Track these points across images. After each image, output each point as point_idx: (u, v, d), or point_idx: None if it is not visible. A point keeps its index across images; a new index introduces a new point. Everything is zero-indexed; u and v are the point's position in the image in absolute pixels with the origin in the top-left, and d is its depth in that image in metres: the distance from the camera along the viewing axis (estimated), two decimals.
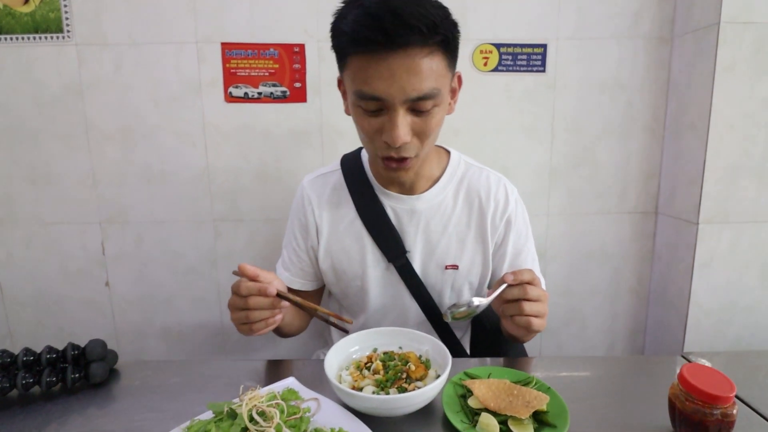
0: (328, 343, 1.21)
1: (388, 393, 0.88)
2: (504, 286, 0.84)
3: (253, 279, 0.83)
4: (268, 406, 0.77)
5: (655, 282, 1.89)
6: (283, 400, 0.88)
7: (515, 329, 0.87)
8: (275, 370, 0.99)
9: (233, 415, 0.76)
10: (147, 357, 1.98)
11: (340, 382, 0.85)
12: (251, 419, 0.74)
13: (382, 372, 0.93)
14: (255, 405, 0.76)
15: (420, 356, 1.00)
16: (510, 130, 1.72)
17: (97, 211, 1.74)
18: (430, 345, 0.93)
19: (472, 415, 0.87)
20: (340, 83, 0.95)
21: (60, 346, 0.92)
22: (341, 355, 0.92)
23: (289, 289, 1.09)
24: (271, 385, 0.95)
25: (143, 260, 1.89)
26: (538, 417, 0.84)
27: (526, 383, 0.96)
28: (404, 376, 0.91)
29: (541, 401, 0.85)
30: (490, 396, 0.88)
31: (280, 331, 1.12)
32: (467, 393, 0.93)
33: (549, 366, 1.02)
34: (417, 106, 0.82)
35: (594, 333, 2.06)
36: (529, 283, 0.84)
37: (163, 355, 1.98)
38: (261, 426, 0.73)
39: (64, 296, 1.81)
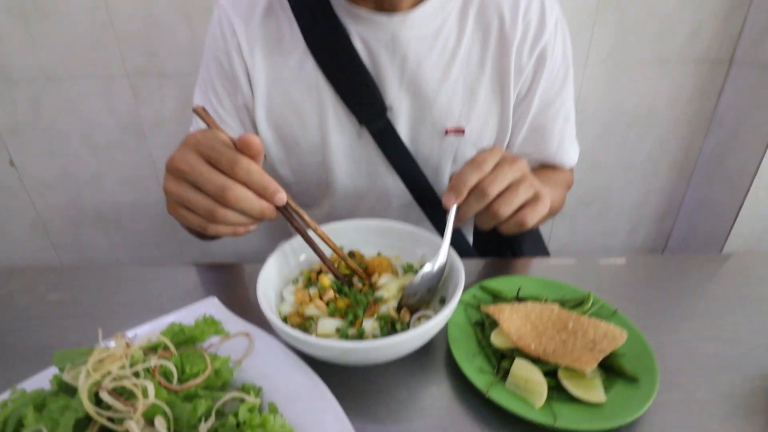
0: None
1: (359, 329, 0.54)
2: (453, 210, 0.58)
3: (251, 156, 0.50)
4: (143, 370, 0.42)
5: (706, 155, 1.51)
6: (189, 341, 0.54)
7: (510, 231, 0.61)
8: (215, 279, 0.78)
9: (71, 390, 0.40)
10: (87, 251, 1.67)
11: (282, 302, 0.61)
12: (99, 401, 0.38)
13: (337, 299, 0.59)
14: (108, 374, 0.40)
15: (411, 265, 0.66)
16: None
17: None
18: (428, 246, 0.65)
19: (497, 359, 0.54)
20: None
21: None
22: (288, 266, 0.65)
23: None
24: (177, 313, 0.60)
25: (48, 132, 1.45)
26: (606, 364, 0.51)
27: (577, 304, 0.61)
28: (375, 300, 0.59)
29: (615, 340, 0.51)
30: (528, 332, 0.54)
31: (213, 237, 0.82)
32: (488, 321, 0.59)
33: (589, 271, 0.77)
34: None
35: (616, 215, 1.75)
36: (488, 169, 0.57)
37: (104, 249, 1.66)
38: (117, 412, 0.38)
39: None
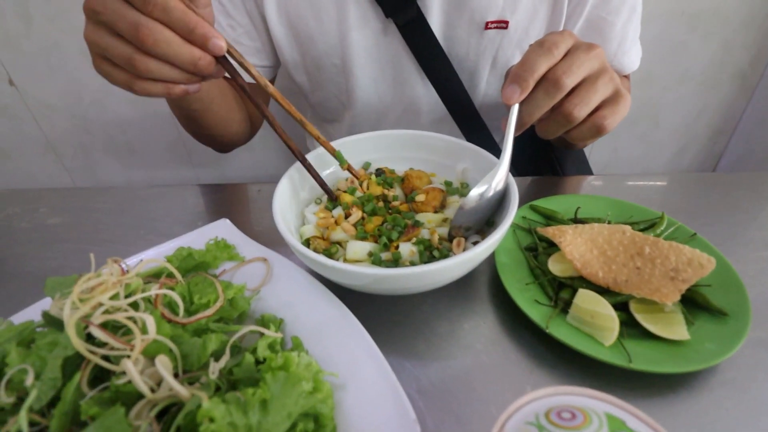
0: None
1: (394, 254, 0.46)
2: (515, 109, 0.46)
3: None
4: (143, 300, 0.36)
5: None
6: (199, 267, 0.47)
7: (582, 140, 0.51)
8: (229, 200, 0.71)
9: (61, 324, 0.34)
10: (101, 176, 1.61)
11: (304, 224, 0.53)
12: (91, 337, 0.32)
13: (365, 220, 0.51)
14: (100, 305, 0.33)
15: (450, 183, 0.57)
16: None
17: None
18: (470, 160, 0.56)
19: (555, 289, 0.46)
20: None
21: None
22: (310, 181, 0.56)
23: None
24: (186, 237, 0.53)
25: (43, 47, 1.33)
26: (689, 296, 0.43)
27: (648, 227, 0.52)
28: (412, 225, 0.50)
29: (702, 268, 0.42)
30: (595, 258, 0.45)
31: (197, 122, 0.70)
32: (541, 246, 0.51)
33: (649, 191, 0.68)
34: None
35: (664, 134, 1.60)
36: (560, 55, 0.45)
37: (118, 174, 1.62)
38: (114, 350, 0.31)
39: None
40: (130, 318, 0.34)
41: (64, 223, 0.67)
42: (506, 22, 0.70)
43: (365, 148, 0.57)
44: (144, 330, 0.34)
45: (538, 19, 0.71)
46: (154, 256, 0.50)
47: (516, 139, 0.50)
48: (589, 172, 0.91)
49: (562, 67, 0.44)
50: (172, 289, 0.41)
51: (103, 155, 1.59)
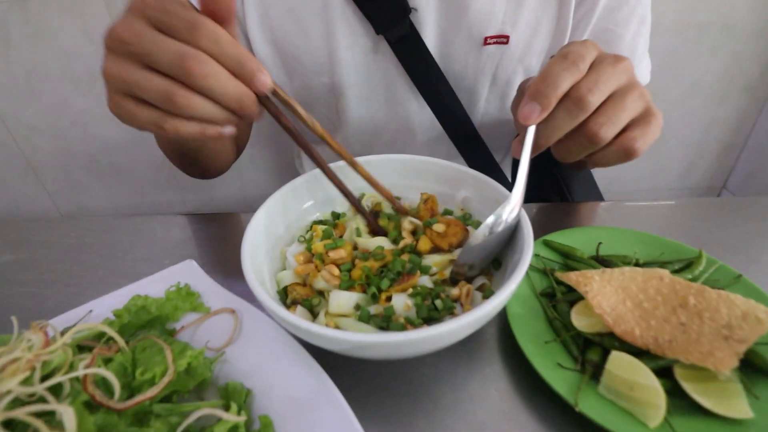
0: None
1: (386, 308, 0.40)
2: (531, 131, 0.41)
3: (219, 20, 0.36)
4: (69, 381, 0.28)
5: None
6: (155, 321, 0.40)
7: (606, 164, 0.45)
8: (198, 232, 0.65)
9: None
10: (84, 200, 1.55)
11: (283, 270, 0.46)
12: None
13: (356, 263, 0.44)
14: (8, 393, 0.25)
15: (450, 212, 0.51)
16: None
17: None
18: (472, 188, 0.50)
19: (580, 347, 0.39)
20: None
21: None
22: (289, 216, 0.50)
23: None
24: (146, 281, 0.48)
25: (23, 65, 1.28)
26: (746, 359, 0.35)
27: (684, 267, 0.44)
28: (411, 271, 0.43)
29: (761, 324, 0.34)
30: (629, 311, 0.38)
31: (190, 159, 0.67)
32: (559, 290, 0.44)
33: (671, 217, 0.62)
34: None
35: (674, 148, 1.54)
36: (585, 68, 0.40)
37: (102, 198, 1.58)
38: None
39: None
40: (42, 414, 0.26)
41: (17, 262, 0.59)
42: (507, 37, 0.66)
43: (354, 174, 0.50)
44: (60, 428, 0.26)
45: (540, 33, 0.67)
46: (111, 306, 0.42)
47: (515, 160, 0.43)
48: (599, 196, 0.86)
49: (587, 84, 0.38)
50: (109, 360, 0.33)
51: (86, 178, 1.53)
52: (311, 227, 0.49)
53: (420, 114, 0.74)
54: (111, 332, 0.34)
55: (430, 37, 0.67)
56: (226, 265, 0.55)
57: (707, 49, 1.34)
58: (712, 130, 1.51)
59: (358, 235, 0.46)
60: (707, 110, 1.46)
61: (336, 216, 0.51)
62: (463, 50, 0.68)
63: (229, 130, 0.39)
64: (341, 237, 0.47)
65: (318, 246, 0.44)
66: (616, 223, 0.55)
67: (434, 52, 0.67)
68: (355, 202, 0.47)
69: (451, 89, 0.70)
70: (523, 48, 0.68)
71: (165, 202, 1.57)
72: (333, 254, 0.44)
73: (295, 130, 0.42)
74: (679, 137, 1.51)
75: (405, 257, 0.43)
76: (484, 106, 0.74)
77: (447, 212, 0.50)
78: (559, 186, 0.85)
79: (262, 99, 0.38)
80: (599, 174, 1.44)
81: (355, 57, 0.68)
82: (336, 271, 0.43)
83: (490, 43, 0.66)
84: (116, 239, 0.62)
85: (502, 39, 0.66)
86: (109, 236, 0.63)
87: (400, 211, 0.49)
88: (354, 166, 0.46)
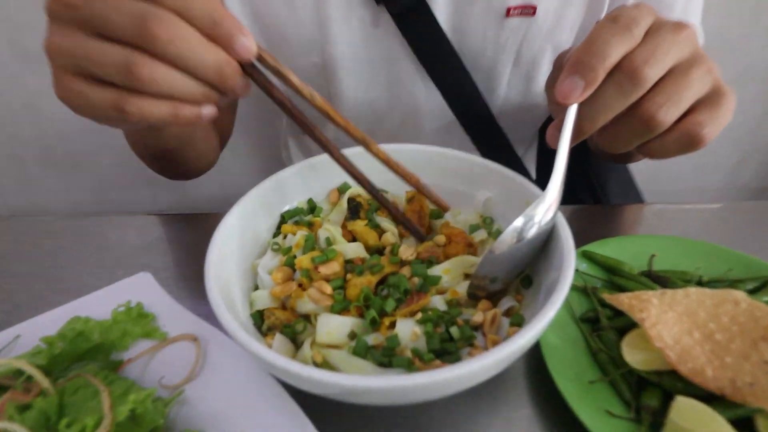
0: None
1: (388, 338, 0.37)
2: (572, 111, 0.38)
3: None
4: None
5: None
6: (97, 350, 0.39)
7: (664, 155, 0.43)
8: (162, 236, 0.63)
9: None
10: (38, 196, 1.53)
11: (256, 289, 0.44)
12: None
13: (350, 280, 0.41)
14: None
15: (477, 226, 0.49)
16: None
17: None
18: (495, 186, 0.48)
19: (635, 389, 0.36)
20: None
21: None
22: (270, 219, 0.48)
23: None
24: (89, 298, 0.45)
25: None
26: None
27: (761, 287, 0.41)
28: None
29: None
30: (697, 344, 0.35)
31: (169, 161, 0.68)
32: (605, 315, 0.41)
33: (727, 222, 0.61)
34: None
35: (722, 142, 1.49)
36: (639, 35, 0.37)
37: (60, 193, 1.56)
38: None
39: None
40: None
41: None
42: (533, 8, 0.66)
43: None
44: None
45: (573, 2, 0.66)
46: (32, 335, 0.39)
47: (540, 153, 0.41)
48: (639, 197, 0.86)
49: (643, 54, 0.36)
50: (27, 407, 0.28)
51: (39, 170, 1.51)
52: (278, 229, 0.47)
53: (428, 99, 0.75)
54: (31, 370, 0.30)
55: (441, 7, 0.67)
56: (193, 279, 0.52)
57: (763, 30, 1.33)
58: (765, 122, 1.50)
59: (329, 244, 0.44)
60: (761, 99, 1.45)
61: (312, 208, 0.49)
62: (480, 23, 0.68)
63: (208, 110, 0.37)
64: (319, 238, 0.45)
65: (303, 260, 0.41)
66: (666, 230, 0.53)
67: (445, 24, 0.68)
68: (375, 192, 0.44)
69: (466, 70, 0.70)
70: (552, 20, 0.67)
71: (132, 199, 1.56)
72: (324, 269, 0.40)
73: (290, 105, 0.39)
74: (726, 129, 1.46)
75: (406, 270, 0.41)
76: (505, 89, 0.74)
77: (435, 215, 0.48)
78: (592, 184, 0.86)
79: (247, 67, 0.35)
80: (635, 172, 1.42)
81: (351, 31, 0.68)
82: (328, 289, 0.39)
83: (513, 15, 0.66)
84: (61, 245, 0.60)
85: (528, 9, 0.66)
86: (52, 241, 0.60)
87: (384, 205, 0.46)
88: (368, 146, 0.43)
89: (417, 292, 0.39)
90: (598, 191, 0.85)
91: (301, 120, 0.40)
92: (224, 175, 1.48)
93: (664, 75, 0.37)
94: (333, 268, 0.40)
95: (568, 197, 0.85)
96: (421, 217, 0.46)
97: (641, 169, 1.49)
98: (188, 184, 1.52)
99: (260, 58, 0.36)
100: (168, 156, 0.64)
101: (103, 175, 1.51)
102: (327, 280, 0.41)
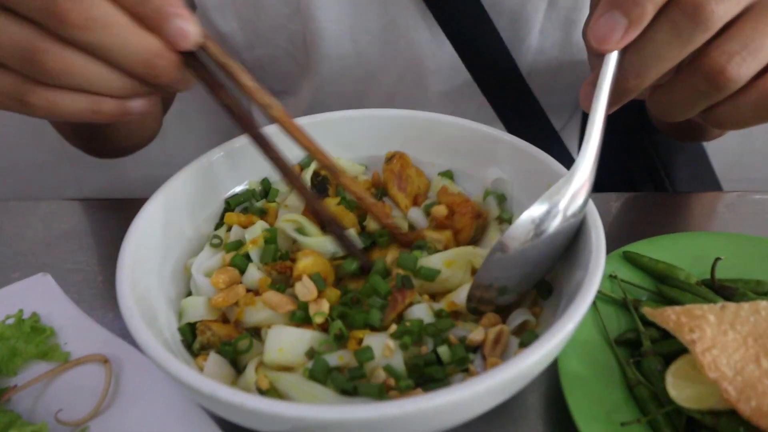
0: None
1: (357, 354, 0.39)
2: (612, 59, 0.39)
3: None
4: None
5: None
6: None
7: (735, 124, 0.45)
8: (75, 228, 0.66)
9: None
10: None
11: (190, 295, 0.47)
12: None
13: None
14: None
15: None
16: None
17: None
18: (509, 163, 0.52)
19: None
20: None
21: None
22: (203, 209, 0.51)
23: None
24: None
25: None
26: None
27: None
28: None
29: None
30: (762, 377, 0.36)
31: (100, 142, 0.76)
32: (646, 335, 0.44)
33: None
34: None
35: None
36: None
37: None
38: None
39: None
40: None
41: None
42: None
43: (325, 136, 0.50)
44: None
45: None
46: None
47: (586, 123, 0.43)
48: (716, 184, 0.90)
49: None
50: None
51: None
52: (222, 219, 0.50)
53: (435, 51, 0.78)
54: None
55: None
56: (110, 284, 0.53)
57: None
58: None
59: (301, 231, 0.47)
60: None
61: (266, 190, 0.52)
62: None
63: (138, 104, 0.40)
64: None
65: (302, 264, 0.44)
66: (740, 227, 0.56)
67: None
68: (300, 187, 0.46)
69: (486, 15, 0.73)
70: None
71: (52, 183, 1.62)
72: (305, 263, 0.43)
73: (238, 111, 0.43)
74: None
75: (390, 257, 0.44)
76: (538, 39, 0.78)
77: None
78: (655, 168, 0.89)
79: (188, 58, 0.38)
80: (713, 155, 1.45)
81: None
82: (312, 287, 0.42)
83: None
84: None
85: None
86: None
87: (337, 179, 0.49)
88: (289, 128, 0.45)
89: (399, 290, 0.40)
90: (661, 175, 0.88)
91: (258, 136, 0.44)
92: (170, 151, 1.51)
93: (739, 14, 0.37)
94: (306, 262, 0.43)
95: (619, 181, 0.87)
96: (401, 180, 0.49)
97: (720, 154, 1.52)
98: (125, 164, 1.55)
99: (204, 48, 0.39)
100: (96, 131, 0.67)
101: (16, 155, 1.57)
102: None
